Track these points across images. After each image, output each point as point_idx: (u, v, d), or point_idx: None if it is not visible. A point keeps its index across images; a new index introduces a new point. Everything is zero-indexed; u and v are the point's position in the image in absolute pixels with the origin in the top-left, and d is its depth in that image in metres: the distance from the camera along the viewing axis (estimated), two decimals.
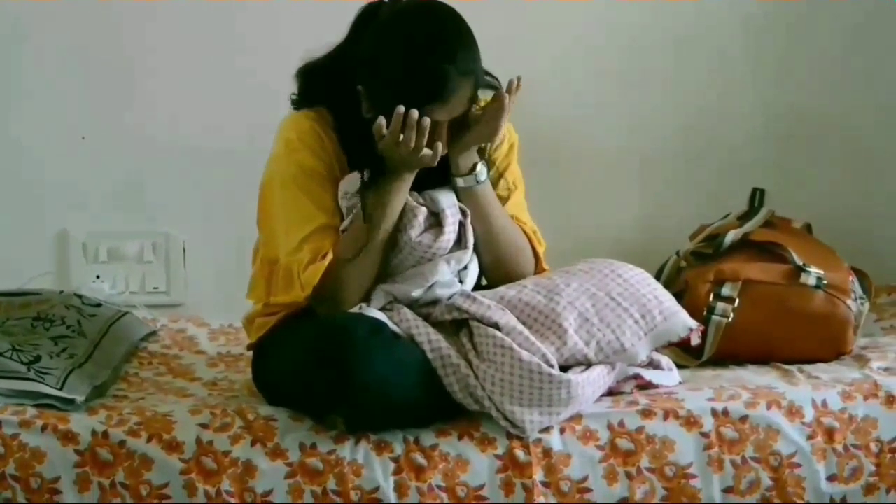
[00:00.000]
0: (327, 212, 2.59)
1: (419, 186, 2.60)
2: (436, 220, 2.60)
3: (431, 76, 2.48)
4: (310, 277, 2.54)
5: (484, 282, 2.72)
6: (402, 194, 2.56)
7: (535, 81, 3.34)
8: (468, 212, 2.62)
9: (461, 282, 2.63)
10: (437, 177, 2.60)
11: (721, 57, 3.58)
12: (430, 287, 2.59)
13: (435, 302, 2.59)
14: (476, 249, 2.65)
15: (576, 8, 3.50)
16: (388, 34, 2.54)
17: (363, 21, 2.61)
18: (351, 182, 2.60)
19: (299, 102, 2.66)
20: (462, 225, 2.62)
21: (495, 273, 2.68)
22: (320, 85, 2.63)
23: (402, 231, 2.58)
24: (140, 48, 3.46)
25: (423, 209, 2.59)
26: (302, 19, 3.36)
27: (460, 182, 2.60)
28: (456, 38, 2.53)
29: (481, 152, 2.65)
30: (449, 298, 2.59)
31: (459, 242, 2.62)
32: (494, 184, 2.67)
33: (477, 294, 2.59)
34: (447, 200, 2.60)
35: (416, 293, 2.59)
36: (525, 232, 2.69)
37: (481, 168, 2.61)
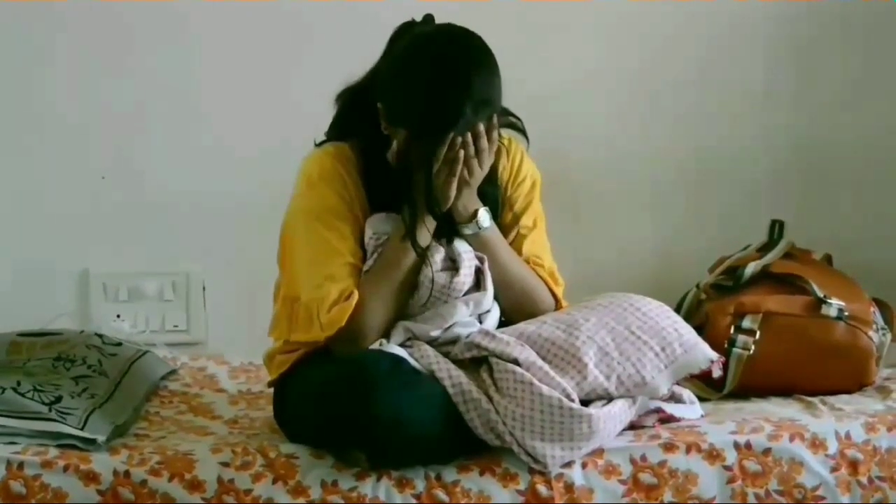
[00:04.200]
0: (349, 249, 2.60)
1: (435, 237, 2.61)
2: (453, 264, 2.60)
3: (446, 107, 2.49)
4: (334, 318, 2.54)
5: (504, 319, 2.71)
6: (425, 235, 2.57)
7: (548, 112, 3.38)
8: (485, 258, 2.62)
9: (481, 323, 2.63)
10: (451, 230, 2.61)
11: (737, 86, 3.58)
12: (449, 327, 2.59)
13: (454, 341, 2.59)
14: (494, 295, 2.65)
15: (589, 37, 3.52)
16: (407, 59, 2.56)
17: (395, 41, 2.62)
18: (378, 222, 2.60)
19: (334, 129, 2.67)
20: (480, 270, 2.62)
21: (514, 317, 2.67)
22: (354, 109, 2.65)
23: (420, 270, 2.58)
24: (156, 88, 3.48)
25: (442, 250, 2.60)
26: (316, 63, 3.38)
27: (465, 230, 2.61)
28: (474, 66, 2.53)
29: (495, 190, 2.65)
30: (467, 336, 2.58)
31: (478, 287, 2.62)
32: (512, 223, 2.68)
33: (496, 331, 2.59)
34: (463, 247, 2.61)
35: (435, 332, 2.59)
36: (540, 274, 2.69)
37: (483, 214, 2.61)
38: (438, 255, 2.59)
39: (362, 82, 2.65)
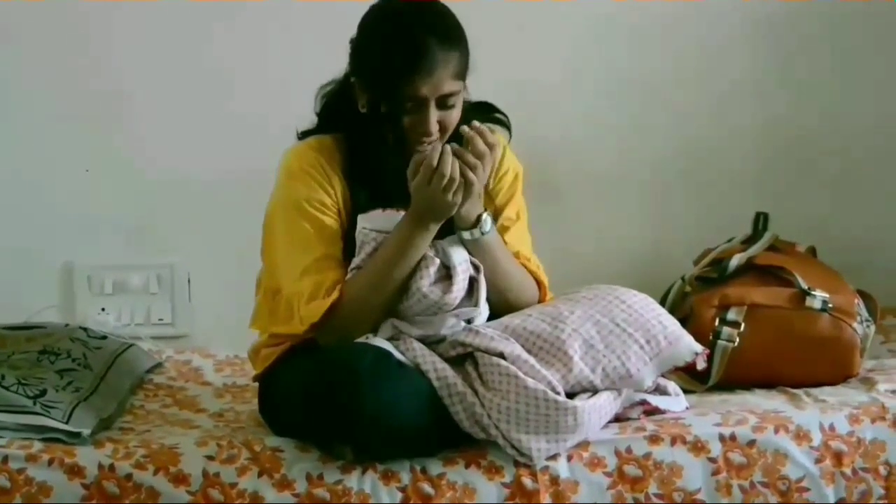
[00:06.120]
0: (329, 242, 2.59)
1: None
2: (447, 273, 2.56)
3: (411, 45, 2.49)
4: (310, 313, 2.54)
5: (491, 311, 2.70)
6: (424, 244, 2.54)
7: (535, 107, 3.38)
8: (481, 267, 2.59)
9: (469, 322, 2.61)
10: (448, 228, 2.58)
11: (723, 80, 3.58)
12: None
13: (440, 340, 2.58)
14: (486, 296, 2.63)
15: (574, 32, 3.51)
16: (372, 16, 2.57)
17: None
18: (372, 218, 2.58)
19: (317, 125, 2.67)
20: (474, 280, 2.59)
21: (502, 311, 2.65)
22: (334, 104, 2.65)
23: (413, 279, 2.55)
24: (139, 81, 3.47)
25: (437, 261, 2.56)
26: (299, 53, 3.38)
27: (466, 235, 2.58)
28: (438, 12, 2.55)
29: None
30: (453, 335, 2.57)
31: (470, 296, 2.59)
32: (495, 215, 2.66)
33: (480, 326, 2.58)
34: (459, 256, 2.56)
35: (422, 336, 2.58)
36: (530, 270, 2.68)
37: (486, 218, 2.58)
38: (433, 267, 2.54)
39: (342, 79, 2.64)
